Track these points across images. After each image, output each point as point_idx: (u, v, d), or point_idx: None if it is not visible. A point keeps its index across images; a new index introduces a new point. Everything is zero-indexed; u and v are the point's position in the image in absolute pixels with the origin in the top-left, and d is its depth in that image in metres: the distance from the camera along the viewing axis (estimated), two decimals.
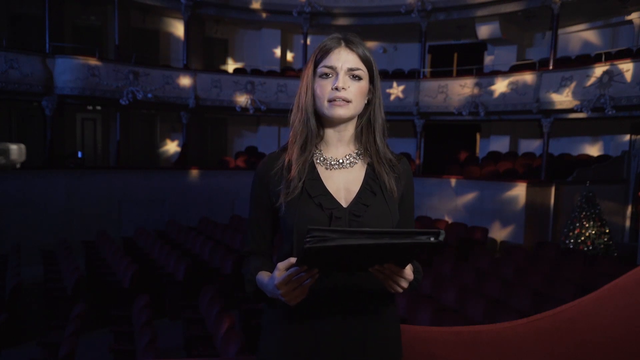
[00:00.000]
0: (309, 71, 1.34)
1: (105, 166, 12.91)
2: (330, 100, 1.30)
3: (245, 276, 1.38)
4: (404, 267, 1.16)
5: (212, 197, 11.94)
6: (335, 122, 1.35)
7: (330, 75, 1.30)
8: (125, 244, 9.68)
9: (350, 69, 1.30)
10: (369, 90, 1.36)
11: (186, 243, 9.40)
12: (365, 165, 1.38)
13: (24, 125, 12.22)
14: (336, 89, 1.29)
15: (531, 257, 8.16)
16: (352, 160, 1.38)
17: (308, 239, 1.00)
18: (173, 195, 11.62)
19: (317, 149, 1.38)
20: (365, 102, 1.37)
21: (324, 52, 1.31)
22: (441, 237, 1.02)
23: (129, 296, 6.19)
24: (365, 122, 1.39)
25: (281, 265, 1.15)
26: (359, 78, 1.31)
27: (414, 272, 1.33)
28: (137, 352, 4.27)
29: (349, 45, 1.31)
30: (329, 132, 1.37)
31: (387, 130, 1.41)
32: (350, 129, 1.38)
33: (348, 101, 1.30)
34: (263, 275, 1.30)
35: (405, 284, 1.20)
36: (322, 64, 1.31)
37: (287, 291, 1.14)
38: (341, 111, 1.30)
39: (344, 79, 1.29)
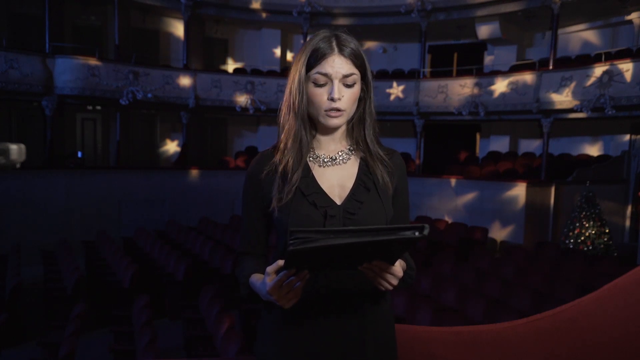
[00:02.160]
0: (300, 71, 1.31)
1: (105, 166, 12.91)
2: (326, 110, 1.30)
3: (239, 279, 1.37)
4: (392, 263, 1.16)
5: (212, 197, 11.94)
6: (329, 130, 1.36)
7: (325, 84, 1.29)
8: (125, 244, 9.67)
9: (345, 76, 1.28)
10: (361, 88, 1.34)
11: (186, 243, 9.39)
12: (359, 161, 1.38)
13: (24, 125, 12.22)
14: (332, 99, 1.28)
15: (531, 257, 8.16)
16: (345, 156, 1.38)
17: (291, 241, 1.01)
18: (173, 195, 11.62)
19: (310, 147, 1.37)
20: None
21: (318, 57, 1.29)
22: (425, 232, 1.02)
23: (129, 296, 6.19)
24: (356, 119, 1.38)
25: (270, 269, 1.13)
26: (353, 84, 1.30)
27: (407, 269, 1.34)
28: (137, 352, 4.27)
29: (342, 52, 1.29)
30: (322, 132, 1.37)
31: (378, 126, 1.40)
32: (342, 126, 1.37)
33: (342, 110, 1.30)
34: (256, 278, 1.29)
35: (394, 281, 1.19)
36: (315, 70, 1.29)
37: (279, 296, 1.14)
38: (336, 121, 1.31)
39: (339, 88, 1.28)
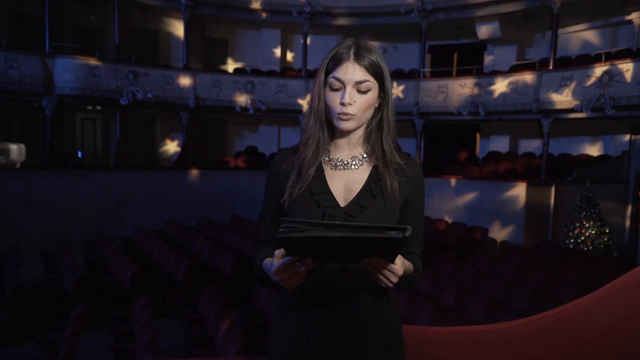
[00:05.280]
0: (321, 76, 1.38)
1: (105, 166, 12.91)
2: (338, 114, 1.36)
3: (255, 262, 1.47)
4: (392, 261, 1.19)
5: (212, 197, 11.93)
6: (345, 134, 1.42)
7: (339, 89, 1.35)
8: (125, 244, 9.67)
9: (358, 82, 1.34)
10: (379, 96, 1.40)
11: (186, 243, 9.39)
12: (371, 167, 1.43)
13: (24, 125, 12.22)
14: (342, 104, 1.34)
15: (531, 257, 8.16)
16: (358, 162, 1.43)
17: (280, 229, 1.08)
18: (173, 195, 11.61)
19: (326, 150, 1.44)
20: (376, 105, 1.41)
21: (335, 62, 1.35)
22: (407, 233, 1.08)
23: (129, 296, 6.19)
24: (375, 125, 1.43)
25: (277, 252, 1.21)
26: (367, 90, 1.35)
27: (413, 271, 1.40)
28: (137, 352, 4.27)
29: (358, 60, 1.34)
30: (339, 135, 1.43)
31: (396, 134, 1.46)
32: (358, 132, 1.43)
33: (354, 114, 1.35)
34: (268, 262, 1.37)
35: (394, 279, 1.23)
36: (331, 75, 1.35)
37: (283, 278, 1.22)
38: (347, 125, 1.36)
39: (351, 94, 1.34)
